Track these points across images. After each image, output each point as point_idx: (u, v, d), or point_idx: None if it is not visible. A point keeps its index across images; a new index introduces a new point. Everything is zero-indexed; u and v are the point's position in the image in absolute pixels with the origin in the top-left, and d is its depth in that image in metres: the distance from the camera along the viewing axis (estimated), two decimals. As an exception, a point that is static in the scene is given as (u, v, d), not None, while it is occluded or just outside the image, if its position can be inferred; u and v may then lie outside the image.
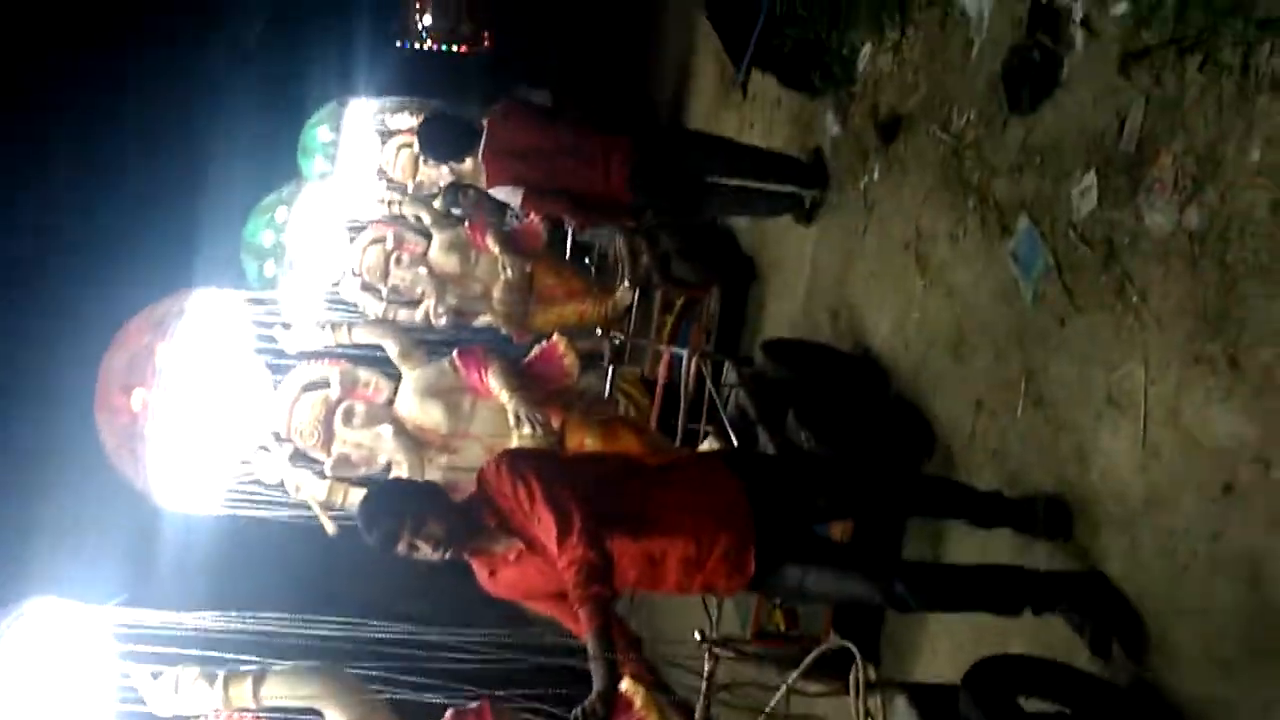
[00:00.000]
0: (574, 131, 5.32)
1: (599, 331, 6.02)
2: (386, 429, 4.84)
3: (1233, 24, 2.61)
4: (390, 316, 6.80)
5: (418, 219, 7.45)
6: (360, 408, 4.90)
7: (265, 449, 4.82)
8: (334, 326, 5.30)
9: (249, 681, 3.03)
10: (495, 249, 6.86)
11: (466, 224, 7.20)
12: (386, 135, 9.06)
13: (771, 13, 5.73)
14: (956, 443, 4.00)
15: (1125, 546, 3.04)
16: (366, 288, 7.07)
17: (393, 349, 5.11)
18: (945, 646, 3.82)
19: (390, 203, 7.78)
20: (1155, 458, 2.98)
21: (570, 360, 5.25)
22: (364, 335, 5.26)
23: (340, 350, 5.14)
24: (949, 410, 4.08)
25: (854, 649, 2.98)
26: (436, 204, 7.80)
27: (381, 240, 7.17)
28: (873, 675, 3.02)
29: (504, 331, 6.99)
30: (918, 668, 3.98)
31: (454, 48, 13.37)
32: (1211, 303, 2.82)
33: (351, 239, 7.25)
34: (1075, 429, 3.32)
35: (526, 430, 4.70)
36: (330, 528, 4.76)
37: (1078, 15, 3.37)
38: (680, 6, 9.97)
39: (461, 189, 7.68)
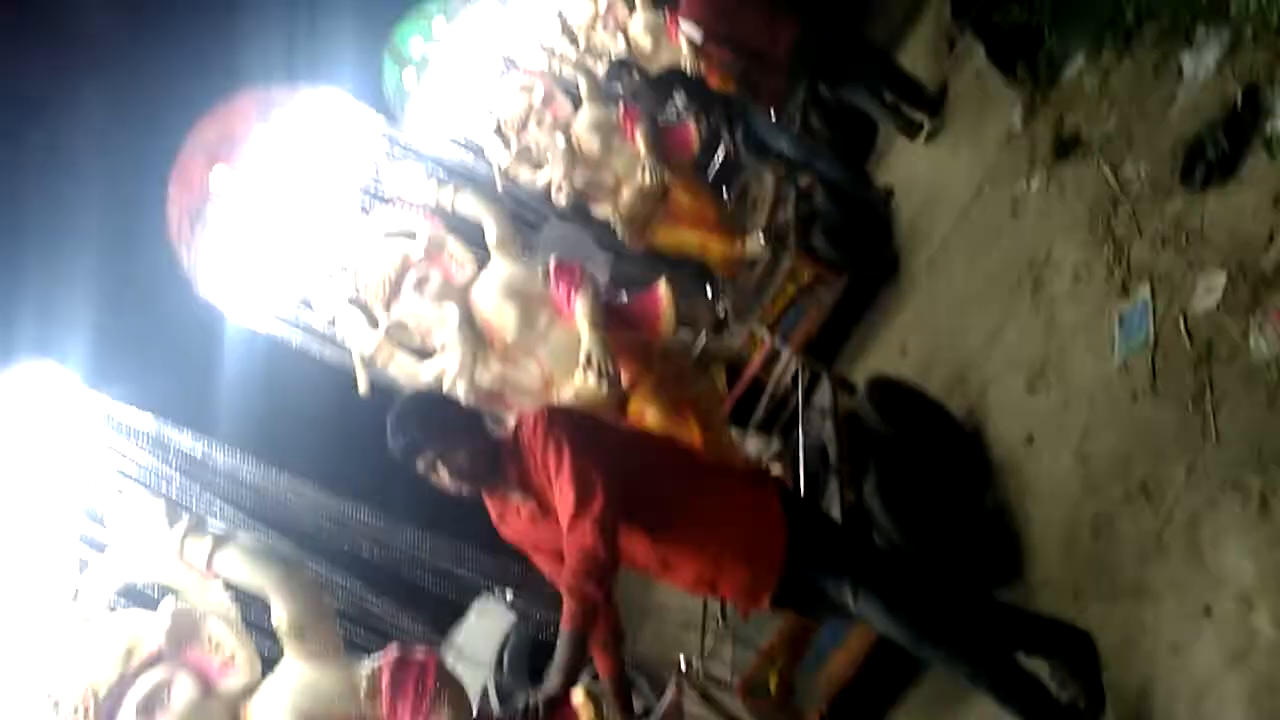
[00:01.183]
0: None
1: (709, 291, 5.84)
2: (454, 311, 4.42)
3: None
4: (513, 172, 6.43)
5: (576, 83, 6.87)
6: (436, 278, 4.51)
7: (329, 278, 4.53)
8: (440, 183, 4.81)
9: (209, 540, 2.73)
10: (642, 146, 6.39)
11: (622, 108, 6.68)
12: None
13: (1006, -15, 5.63)
14: (999, 467, 4.13)
15: (1099, 618, 3.20)
16: (498, 133, 6.55)
17: (492, 231, 4.59)
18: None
19: (554, 54, 7.19)
20: (1160, 554, 3.11)
21: (668, 315, 4.57)
22: (469, 205, 4.74)
23: (439, 210, 4.71)
24: (1001, 432, 4.20)
25: None
26: (599, 73, 7.23)
27: (530, 90, 6.69)
28: None
29: (619, 234, 6.57)
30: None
31: None
32: (1270, 442, 2.90)
33: (501, 76, 6.70)
34: (1103, 498, 3.45)
35: (593, 378, 4.09)
36: (364, 386, 4.43)
37: (1274, 127, 3.36)
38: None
39: (628, 68, 7.17)
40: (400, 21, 6.20)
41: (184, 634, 2.68)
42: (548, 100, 6.65)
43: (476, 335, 4.41)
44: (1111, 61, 4.84)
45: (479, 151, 6.34)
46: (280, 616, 2.68)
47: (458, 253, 4.58)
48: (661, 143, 6.49)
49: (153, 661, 2.65)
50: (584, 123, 6.57)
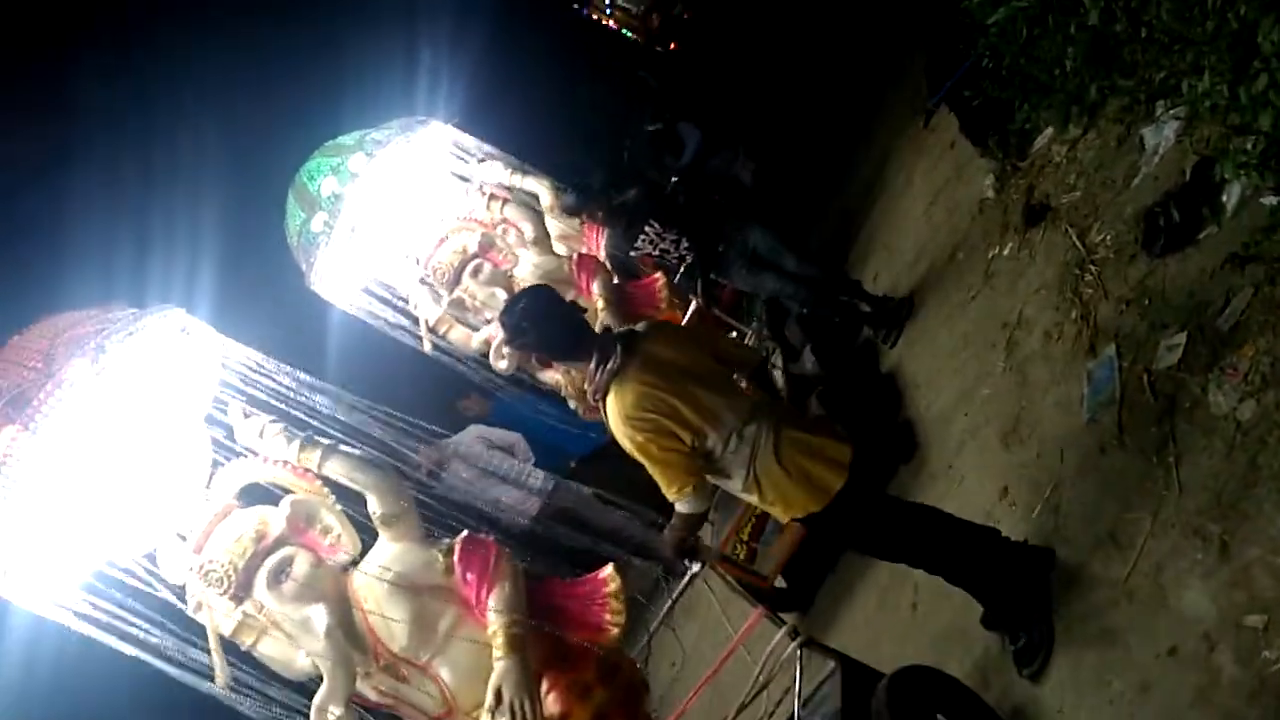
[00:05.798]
0: None
1: None
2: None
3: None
4: (442, 331, 5.57)
5: (519, 228, 5.88)
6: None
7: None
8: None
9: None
10: (599, 302, 5.43)
11: (573, 260, 5.75)
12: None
13: (978, 62, 5.88)
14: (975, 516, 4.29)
15: (1068, 665, 3.35)
16: (426, 284, 5.63)
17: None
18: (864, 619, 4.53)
19: (493, 198, 5.92)
20: (1128, 599, 3.27)
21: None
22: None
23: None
24: (978, 487, 4.37)
25: (783, 622, 3.48)
26: (552, 214, 5.93)
27: (465, 234, 5.73)
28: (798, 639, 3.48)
29: (570, 404, 5.60)
30: (838, 629, 4.82)
31: (632, 34, 10.89)
32: (1229, 490, 3.08)
33: (430, 219, 5.76)
34: (1075, 547, 3.61)
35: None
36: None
37: (1228, 197, 3.59)
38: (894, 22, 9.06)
39: (592, 192, 5.86)
40: (308, 159, 5.28)
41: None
42: (485, 248, 5.72)
43: None
44: (1077, 134, 5.09)
45: (402, 305, 5.58)
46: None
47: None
48: (623, 299, 5.61)
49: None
50: (529, 272, 5.71)
